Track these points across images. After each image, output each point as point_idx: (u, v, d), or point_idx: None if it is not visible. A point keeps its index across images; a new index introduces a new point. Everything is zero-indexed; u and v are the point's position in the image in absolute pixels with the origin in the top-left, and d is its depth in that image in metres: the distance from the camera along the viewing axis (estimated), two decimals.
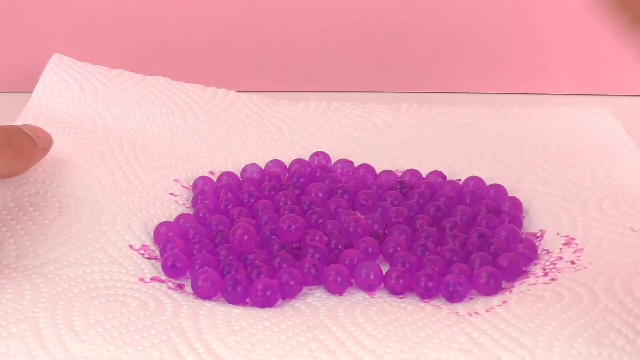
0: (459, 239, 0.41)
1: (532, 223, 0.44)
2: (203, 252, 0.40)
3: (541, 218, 0.43)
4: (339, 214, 0.43)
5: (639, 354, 0.33)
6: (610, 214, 0.42)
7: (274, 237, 0.41)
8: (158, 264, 0.40)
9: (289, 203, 0.44)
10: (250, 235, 0.40)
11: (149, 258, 0.40)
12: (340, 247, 0.40)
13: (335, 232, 0.41)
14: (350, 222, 0.42)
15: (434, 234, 0.42)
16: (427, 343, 0.34)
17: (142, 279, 0.38)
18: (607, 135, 0.49)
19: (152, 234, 0.42)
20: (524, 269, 0.40)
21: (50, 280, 0.37)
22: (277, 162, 0.48)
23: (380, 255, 0.41)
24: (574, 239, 0.41)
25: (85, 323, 0.34)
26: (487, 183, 0.46)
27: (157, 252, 0.41)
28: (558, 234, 0.42)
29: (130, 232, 0.41)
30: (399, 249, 0.40)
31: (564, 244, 0.41)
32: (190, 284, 0.39)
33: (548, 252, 0.41)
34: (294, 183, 0.46)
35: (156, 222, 0.43)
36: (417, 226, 0.42)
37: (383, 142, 0.50)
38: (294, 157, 0.49)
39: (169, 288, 0.38)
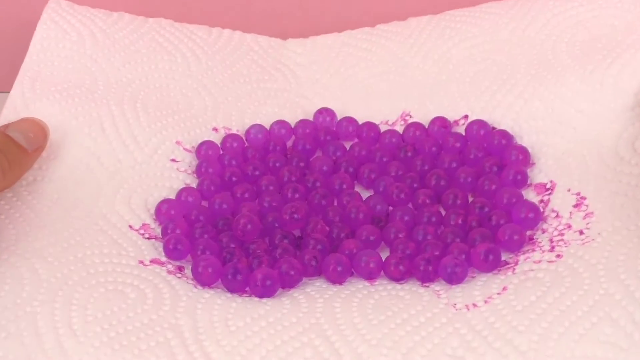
0: (460, 216, 0.41)
1: (543, 172, 0.43)
2: (205, 236, 0.40)
3: (551, 168, 0.43)
4: (342, 193, 0.43)
5: (636, 346, 0.33)
6: (626, 158, 0.41)
7: (276, 224, 0.41)
8: (158, 244, 0.40)
9: (293, 180, 0.44)
10: (254, 225, 0.40)
11: (149, 238, 0.40)
12: (342, 235, 0.40)
13: (337, 218, 0.41)
14: (352, 208, 0.41)
15: (435, 213, 0.41)
16: (420, 349, 0.34)
17: (141, 262, 0.39)
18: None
19: (152, 211, 0.42)
20: (529, 233, 0.40)
21: (50, 265, 0.37)
22: (281, 124, 0.47)
23: (382, 242, 0.41)
24: (585, 198, 0.40)
25: (83, 321, 0.35)
26: (493, 122, 0.45)
27: (158, 231, 0.41)
28: (569, 190, 0.41)
29: (130, 211, 0.41)
30: (399, 235, 0.40)
31: (574, 206, 0.40)
32: (190, 267, 0.39)
33: (557, 215, 0.40)
34: (298, 154, 0.45)
35: (157, 196, 0.42)
36: (420, 201, 0.42)
37: (388, 80, 0.49)
38: (299, 111, 0.48)
39: (169, 272, 0.38)
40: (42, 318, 0.35)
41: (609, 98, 0.43)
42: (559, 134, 0.43)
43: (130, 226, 0.41)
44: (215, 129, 0.47)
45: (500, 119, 0.45)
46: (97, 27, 0.49)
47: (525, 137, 0.44)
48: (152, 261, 0.39)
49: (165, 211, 0.42)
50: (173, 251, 0.39)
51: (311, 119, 0.48)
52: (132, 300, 0.36)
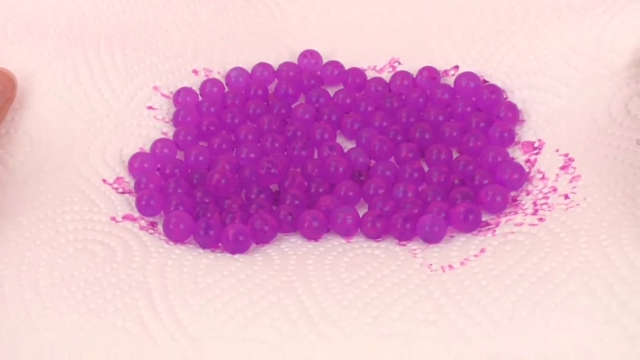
0: (442, 174, 0.39)
1: (532, 130, 0.42)
2: (179, 191, 0.39)
3: (541, 126, 0.41)
4: (323, 145, 0.42)
5: (613, 320, 0.32)
6: (619, 120, 0.39)
7: (254, 178, 0.40)
8: (132, 199, 0.39)
9: (273, 129, 0.42)
10: (228, 180, 0.39)
11: (122, 192, 0.40)
12: (320, 190, 0.39)
13: (316, 172, 0.40)
14: (332, 162, 0.40)
15: (417, 169, 0.40)
16: (392, 312, 0.33)
17: (113, 218, 0.38)
18: None
19: (127, 163, 0.41)
20: (513, 194, 0.39)
21: (19, 225, 0.36)
22: (264, 66, 0.46)
23: (361, 198, 0.40)
24: (572, 159, 0.39)
25: (50, 284, 0.34)
26: (484, 74, 0.44)
27: (132, 185, 0.40)
28: (557, 150, 0.40)
29: (104, 164, 0.40)
30: (379, 192, 0.39)
31: (561, 168, 0.39)
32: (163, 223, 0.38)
33: (543, 177, 0.39)
34: (280, 100, 0.44)
35: (133, 146, 0.41)
36: (402, 155, 0.41)
37: (378, 23, 0.47)
38: (284, 52, 0.46)
39: (141, 228, 0.38)
40: (8, 282, 0.34)
41: (606, 55, 0.41)
42: (551, 91, 0.42)
43: (104, 180, 0.40)
44: (195, 71, 0.45)
45: (492, 72, 0.44)
46: None
47: (516, 92, 0.43)
48: (125, 217, 0.38)
49: (138, 165, 0.40)
50: (145, 207, 0.39)
51: (295, 61, 0.46)
52: (101, 259, 0.35)
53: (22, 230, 0.36)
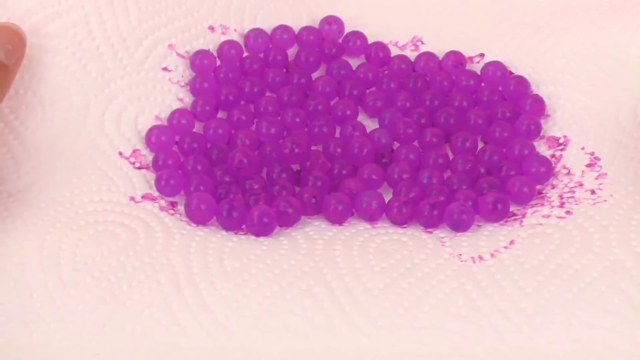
0: (468, 163, 0.39)
1: (557, 125, 0.41)
2: (198, 167, 0.38)
3: (567, 122, 0.41)
4: (346, 122, 0.40)
5: (637, 335, 0.32)
6: None
7: (275, 156, 0.39)
8: (150, 176, 0.38)
9: (293, 100, 0.41)
10: (250, 161, 0.38)
11: (140, 168, 0.38)
12: (343, 172, 0.38)
13: (339, 152, 0.39)
14: (355, 143, 0.39)
15: (443, 155, 0.39)
16: (423, 305, 0.33)
17: (132, 198, 0.37)
18: None
19: (143, 133, 0.39)
20: (539, 187, 0.39)
21: (37, 208, 0.35)
22: (284, 29, 0.44)
23: (385, 181, 0.39)
24: (598, 159, 0.39)
25: (72, 269, 0.33)
26: (510, 66, 0.43)
27: (149, 159, 0.39)
28: (583, 148, 0.39)
29: (119, 135, 0.39)
30: (404, 176, 0.38)
31: (587, 165, 0.39)
32: (184, 203, 0.37)
33: (569, 172, 0.39)
34: (300, 68, 0.42)
35: (148, 114, 0.40)
36: (427, 140, 0.40)
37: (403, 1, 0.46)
38: (303, 14, 0.45)
39: (161, 208, 0.37)
40: (30, 270, 0.33)
41: (634, 60, 0.40)
42: (577, 89, 0.41)
43: (121, 153, 0.38)
44: (211, 28, 0.43)
45: (518, 64, 0.43)
46: None
47: (542, 87, 0.42)
48: (144, 197, 0.37)
49: (155, 139, 0.39)
50: (165, 187, 0.37)
51: (316, 26, 0.45)
52: (123, 242, 0.34)
53: (41, 212, 0.35)
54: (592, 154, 0.39)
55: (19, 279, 0.33)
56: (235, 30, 0.44)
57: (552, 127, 0.41)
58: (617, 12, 0.42)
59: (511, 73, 0.43)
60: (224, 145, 0.39)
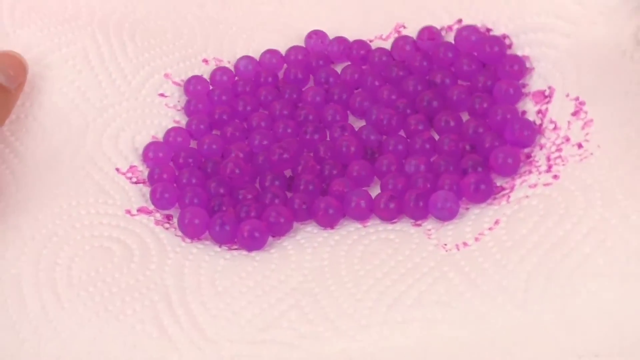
0: (453, 142, 0.39)
1: (541, 77, 0.40)
2: (193, 181, 0.39)
3: (550, 72, 0.40)
4: (334, 126, 0.41)
5: (632, 276, 0.31)
6: (629, 53, 0.38)
7: (266, 164, 0.40)
8: (146, 190, 0.39)
9: (284, 114, 0.42)
10: (242, 169, 0.39)
11: (136, 182, 0.40)
12: (334, 172, 0.39)
13: (329, 155, 0.40)
14: (343, 142, 0.40)
15: (428, 139, 0.40)
16: (406, 299, 0.33)
17: (128, 211, 0.38)
18: None
19: (140, 151, 0.41)
20: (527, 151, 0.39)
21: (34, 219, 0.36)
22: (272, 53, 0.45)
23: (375, 176, 0.40)
24: (583, 103, 0.38)
25: (67, 283, 0.35)
26: (487, 23, 0.43)
27: (146, 174, 0.40)
28: (567, 95, 0.39)
29: (117, 152, 0.40)
30: (391, 168, 0.39)
31: (572, 114, 0.38)
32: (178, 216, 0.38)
33: (555, 127, 0.38)
34: (290, 84, 0.44)
35: (145, 134, 0.41)
36: (412, 128, 0.40)
37: None
38: (291, 35, 0.46)
39: (156, 222, 0.38)
40: (26, 282, 0.34)
41: None
42: (558, 31, 0.40)
43: (118, 169, 0.40)
44: (205, 61, 0.45)
45: (495, 18, 0.42)
46: None
47: (522, 36, 0.42)
48: (140, 210, 0.38)
49: (152, 155, 0.41)
50: (160, 200, 0.39)
51: (302, 44, 0.46)
52: (118, 259, 0.36)
53: (38, 225, 0.36)
54: (577, 98, 0.38)
55: (14, 290, 0.34)
56: (228, 62, 0.46)
57: (537, 80, 0.40)
58: None
59: (489, 30, 0.42)
60: (218, 159, 0.41)
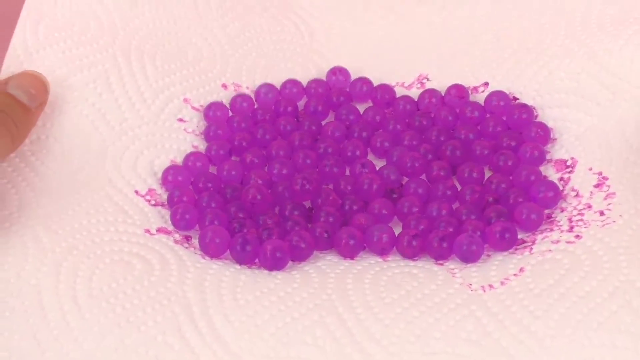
0: (475, 193, 0.39)
1: (564, 148, 0.42)
2: (213, 204, 0.39)
3: (573, 144, 0.41)
4: (355, 162, 0.42)
5: None
6: None
7: (287, 195, 0.40)
8: (165, 212, 0.39)
9: (304, 145, 0.42)
10: (263, 196, 0.39)
11: (155, 205, 0.39)
12: (354, 208, 0.39)
13: (349, 188, 0.40)
14: (365, 179, 0.40)
15: (450, 187, 0.40)
16: (434, 332, 0.33)
17: (148, 231, 0.38)
18: None
19: (159, 175, 0.41)
20: (548, 211, 0.39)
21: (55, 233, 0.36)
22: (293, 83, 0.46)
23: (395, 216, 0.40)
24: (606, 178, 0.39)
25: (88, 295, 0.34)
26: (514, 92, 0.44)
27: (164, 197, 0.40)
28: (590, 169, 0.40)
29: (136, 175, 0.40)
30: (413, 210, 0.39)
31: (595, 186, 0.39)
32: (198, 237, 0.38)
33: (577, 195, 0.39)
34: (310, 117, 0.44)
35: (164, 158, 0.41)
36: (434, 174, 0.41)
37: (407, 40, 0.47)
38: (312, 69, 0.47)
39: (176, 242, 0.38)
40: (46, 293, 0.34)
41: (638, 75, 0.41)
42: (582, 110, 0.42)
43: (137, 192, 0.39)
44: (224, 86, 0.45)
45: (522, 89, 0.44)
46: None
47: (547, 110, 0.43)
48: (159, 230, 0.38)
49: (172, 178, 0.40)
50: (180, 221, 0.38)
51: (324, 78, 0.46)
52: (138, 272, 0.35)
53: (58, 239, 0.36)
54: (600, 173, 0.39)
55: (34, 300, 0.34)
56: (247, 87, 0.46)
57: (559, 150, 0.42)
58: (619, 28, 0.43)
59: (515, 99, 0.44)
60: (237, 184, 0.41)
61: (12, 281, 0.34)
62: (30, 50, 0.42)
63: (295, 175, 0.40)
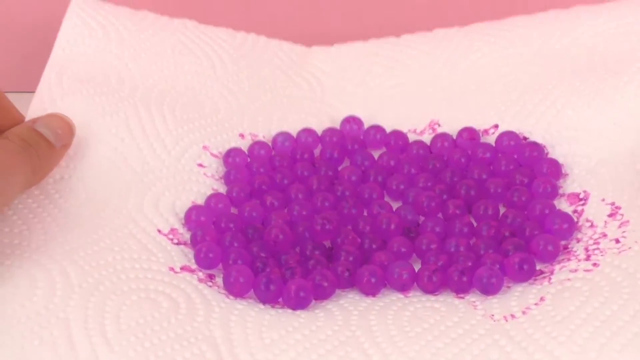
0: (492, 228, 0.40)
1: (576, 182, 0.42)
2: (235, 244, 0.40)
3: (585, 178, 0.42)
4: (372, 203, 0.42)
5: None
6: None
7: (307, 235, 0.41)
8: (188, 251, 0.40)
9: (322, 188, 0.43)
10: (286, 235, 0.40)
11: (178, 244, 0.40)
12: (373, 247, 0.40)
13: (368, 229, 0.41)
14: (383, 219, 0.41)
15: (467, 223, 0.41)
16: None
17: (172, 269, 0.38)
18: None
19: (181, 216, 0.41)
20: (564, 243, 0.40)
21: (81, 269, 0.36)
22: (308, 132, 0.47)
23: (414, 253, 0.40)
24: (619, 207, 0.40)
25: (116, 329, 0.34)
26: (524, 132, 0.45)
27: (187, 236, 0.41)
28: (603, 200, 0.41)
29: (158, 214, 0.41)
30: (431, 247, 0.40)
31: (609, 215, 0.40)
32: (221, 275, 0.39)
33: (592, 225, 0.40)
34: (326, 163, 0.45)
35: (185, 200, 0.42)
36: (450, 212, 0.42)
37: (415, 89, 0.49)
38: (326, 118, 0.48)
39: (200, 280, 0.38)
40: (75, 325, 0.34)
41: None
42: (592, 145, 0.43)
43: (159, 230, 0.40)
44: (241, 135, 0.46)
45: (531, 129, 0.45)
46: (123, 25, 0.48)
47: (557, 147, 0.44)
48: (183, 268, 0.39)
49: (195, 218, 0.41)
50: (204, 260, 0.39)
51: (338, 127, 0.48)
52: (165, 310, 0.36)
53: (85, 274, 0.36)
54: (613, 203, 0.40)
55: (63, 332, 0.34)
56: (263, 136, 0.47)
57: (571, 184, 0.42)
58: (621, 67, 0.44)
59: (525, 138, 0.45)
60: (259, 225, 0.41)
61: (42, 312, 0.34)
62: (55, 97, 0.43)
63: (315, 216, 0.41)
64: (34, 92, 0.44)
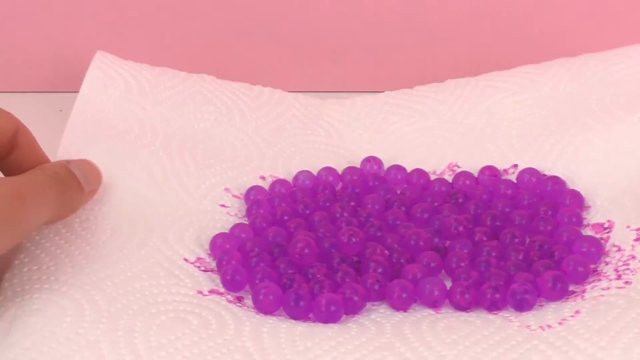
0: (520, 252, 0.40)
1: (599, 213, 0.43)
2: (262, 264, 0.39)
3: (607, 209, 0.42)
4: (398, 226, 0.42)
5: None
6: None
7: (333, 250, 0.40)
8: (215, 277, 0.39)
9: (345, 215, 0.43)
10: (311, 248, 0.40)
11: (205, 271, 0.39)
12: (402, 261, 0.40)
13: (396, 245, 0.41)
14: (412, 235, 0.41)
15: (495, 246, 0.41)
16: None
17: (200, 292, 0.38)
18: None
19: (206, 247, 0.41)
20: (593, 266, 0.39)
21: (109, 296, 0.36)
22: (329, 170, 0.47)
23: (443, 270, 0.40)
24: None
25: (147, 347, 0.33)
26: (544, 169, 0.45)
27: (213, 265, 0.40)
28: (628, 227, 0.41)
29: (184, 246, 0.40)
30: (461, 264, 0.39)
31: (635, 240, 0.40)
32: (249, 297, 0.38)
33: (619, 249, 0.40)
34: (348, 194, 0.45)
35: (209, 234, 0.42)
36: (477, 238, 0.41)
37: (433, 133, 0.49)
38: (344, 161, 0.48)
39: (228, 301, 0.37)
40: (106, 346, 0.33)
41: None
42: (612, 177, 0.43)
43: (186, 259, 0.40)
44: (262, 177, 0.46)
45: (551, 166, 0.45)
46: (144, 77, 0.49)
47: (577, 181, 0.44)
48: (211, 291, 0.38)
49: (219, 245, 0.41)
50: (231, 282, 0.38)
51: (358, 166, 0.48)
52: (196, 326, 0.35)
53: (113, 301, 0.36)
54: (638, 229, 0.40)
55: (95, 352, 0.33)
56: (284, 177, 0.47)
57: (595, 215, 0.43)
58: (632, 105, 0.46)
59: (544, 176, 0.45)
60: (284, 243, 0.41)
61: (72, 337, 0.33)
62: (79, 148, 0.44)
63: (342, 228, 0.41)
64: (34, 92, 0.44)
